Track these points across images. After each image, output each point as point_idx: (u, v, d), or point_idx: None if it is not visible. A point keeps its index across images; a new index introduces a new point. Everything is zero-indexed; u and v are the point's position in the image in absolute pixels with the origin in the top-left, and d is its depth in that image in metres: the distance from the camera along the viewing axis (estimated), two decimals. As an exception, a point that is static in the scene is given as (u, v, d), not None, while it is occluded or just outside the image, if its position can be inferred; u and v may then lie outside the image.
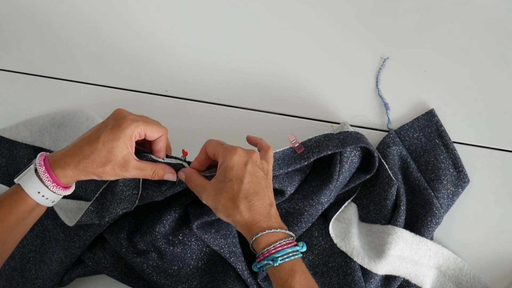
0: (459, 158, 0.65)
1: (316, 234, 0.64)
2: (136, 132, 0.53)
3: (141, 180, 0.59)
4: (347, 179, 0.63)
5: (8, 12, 0.84)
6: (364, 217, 0.65)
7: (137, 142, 0.56)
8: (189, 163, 0.58)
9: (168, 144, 0.59)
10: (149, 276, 0.62)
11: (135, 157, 0.54)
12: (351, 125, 0.69)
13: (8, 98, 0.79)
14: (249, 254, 0.63)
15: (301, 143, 0.61)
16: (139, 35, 0.80)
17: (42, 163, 0.52)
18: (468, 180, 0.65)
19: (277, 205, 0.63)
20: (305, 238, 0.64)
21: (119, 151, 0.52)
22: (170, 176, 0.57)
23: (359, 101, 0.72)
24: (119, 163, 0.52)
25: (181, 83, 0.76)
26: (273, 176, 0.57)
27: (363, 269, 0.62)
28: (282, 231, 0.50)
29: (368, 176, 0.64)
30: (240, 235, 0.63)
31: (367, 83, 0.72)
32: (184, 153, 0.60)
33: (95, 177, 0.53)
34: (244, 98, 0.74)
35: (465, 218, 0.65)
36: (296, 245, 0.51)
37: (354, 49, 0.74)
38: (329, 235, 0.63)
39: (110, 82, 0.78)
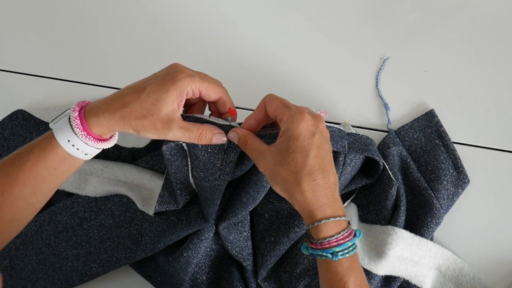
0: (459, 159, 0.65)
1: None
2: (189, 88, 0.47)
3: (186, 149, 0.53)
4: (348, 180, 0.63)
5: (9, 13, 0.84)
6: (364, 217, 0.65)
7: (189, 104, 0.50)
8: (239, 124, 0.52)
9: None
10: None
11: (180, 117, 0.48)
12: (351, 125, 0.69)
13: (7, 98, 0.79)
14: (254, 254, 0.63)
15: None
16: (139, 36, 0.80)
17: (77, 109, 0.47)
18: (468, 181, 0.65)
19: (277, 206, 0.63)
20: (306, 238, 0.64)
21: (164, 105, 0.46)
22: (220, 138, 0.49)
23: (359, 102, 0.72)
24: (161, 119, 0.46)
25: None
26: None
27: (363, 270, 0.62)
28: (345, 219, 0.45)
29: (369, 182, 0.64)
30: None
31: (367, 83, 0.72)
32: (232, 112, 0.52)
33: (131, 131, 0.47)
34: (243, 98, 0.74)
35: (465, 218, 0.65)
36: (354, 235, 0.46)
37: (354, 50, 0.74)
38: (329, 235, 0.63)
39: (109, 82, 0.78)
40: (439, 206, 0.62)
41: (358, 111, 0.71)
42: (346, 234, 0.45)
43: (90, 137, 0.47)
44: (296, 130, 0.45)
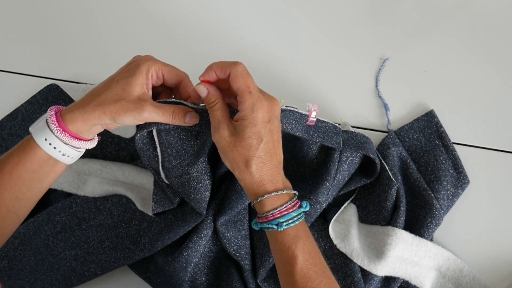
0: (459, 159, 0.65)
1: (315, 235, 0.64)
2: (153, 69, 0.49)
3: (156, 140, 0.54)
4: (346, 179, 0.63)
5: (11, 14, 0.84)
6: (364, 218, 0.65)
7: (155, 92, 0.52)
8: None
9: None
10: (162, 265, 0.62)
11: (151, 99, 0.50)
12: (351, 126, 0.69)
13: (6, 98, 0.79)
14: (252, 254, 0.63)
15: (316, 119, 0.58)
16: (137, 35, 0.80)
17: (54, 109, 0.48)
18: (468, 181, 0.65)
19: None
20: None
21: (134, 88, 0.48)
22: (193, 117, 0.51)
23: (359, 102, 0.71)
24: (133, 101, 0.48)
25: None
26: None
27: (362, 271, 0.62)
28: (287, 191, 0.48)
29: (368, 181, 0.64)
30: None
31: (367, 84, 0.72)
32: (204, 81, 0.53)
33: (107, 119, 0.48)
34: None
35: (465, 219, 0.65)
36: (300, 206, 0.49)
37: (354, 50, 0.74)
38: (329, 236, 0.63)
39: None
40: (439, 206, 0.62)
41: (358, 112, 0.71)
42: (289, 206, 0.48)
43: (66, 133, 0.48)
44: (255, 119, 0.47)
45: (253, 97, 0.47)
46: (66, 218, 0.67)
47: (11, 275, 0.66)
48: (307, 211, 0.61)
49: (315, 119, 0.56)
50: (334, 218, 0.64)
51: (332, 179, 0.60)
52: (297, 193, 0.50)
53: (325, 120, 0.59)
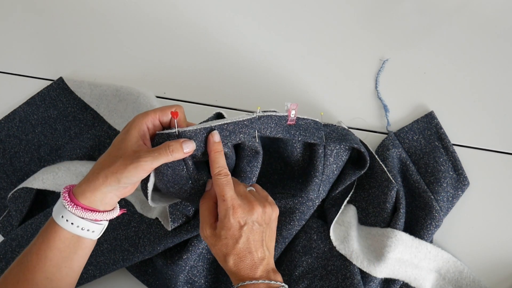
0: (459, 161, 0.65)
1: (315, 237, 0.64)
2: (144, 121, 0.50)
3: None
4: (335, 172, 0.62)
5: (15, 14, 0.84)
6: (364, 220, 0.65)
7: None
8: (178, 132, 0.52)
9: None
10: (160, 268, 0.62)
11: (145, 146, 0.50)
12: (350, 127, 0.69)
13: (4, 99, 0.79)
14: None
15: (296, 118, 0.58)
16: (137, 36, 0.79)
17: (67, 187, 0.50)
18: (468, 183, 0.65)
19: None
20: (304, 241, 0.64)
21: (128, 144, 0.49)
22: (188, 144, 0.50)
23: (359, 103, 0.71)
24: (129, 155, 0.48)
25: (179, 85, 0.76)
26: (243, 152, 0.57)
27: (362, 272, 0.61)
28: (264, 282, 0.51)
29: (362, 171, 0.63)
30: None
31: (367, 85, 0.72)
32: (173, 114, 0.52)
33: (112, 183, 0.48)
34: (242, 100, 0.74)
35: (465, 221, 0.65)
36: None
37: (353, 51, 0.74)
38: (328, 238, 0.63)
39: (107, 84, 0.77)
40: (438, 208, 0.62)
41: (358, 113, 0.71)
42: None
43: (78, 207, 0.48)
44: (228, 223, 0.51)
45: (226, 204, 0.51)
46: None
47: None
48: (301, 208, 0.61)
49: (295, 118, 0.57)
50: (335, 220, 0.63)
51: (321, 174, 0.60)
52: (283, 285, 0.52)
53: (305, 117, 0.60)
